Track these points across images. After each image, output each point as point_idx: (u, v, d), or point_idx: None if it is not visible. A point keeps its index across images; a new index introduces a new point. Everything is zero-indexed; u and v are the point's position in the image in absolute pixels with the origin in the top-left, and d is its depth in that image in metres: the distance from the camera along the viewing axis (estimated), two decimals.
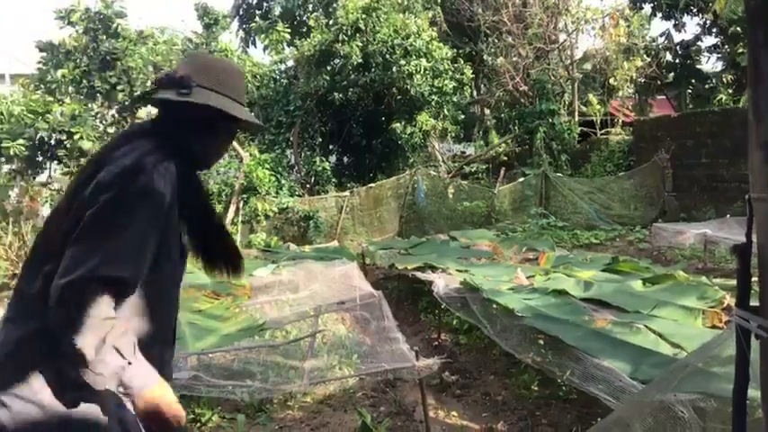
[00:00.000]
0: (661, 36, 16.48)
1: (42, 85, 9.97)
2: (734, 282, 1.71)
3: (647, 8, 15.49)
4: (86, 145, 9.08)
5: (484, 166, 15.12)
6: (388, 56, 12.27)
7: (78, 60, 10.10)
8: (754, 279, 1.61)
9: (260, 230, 10.95)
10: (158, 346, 1.58)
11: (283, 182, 11.83)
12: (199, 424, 3.70)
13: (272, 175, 11.47)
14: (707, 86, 16.12)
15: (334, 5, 12.92)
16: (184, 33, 11.93)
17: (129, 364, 1.39)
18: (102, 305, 1.35)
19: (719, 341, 2.00)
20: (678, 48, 16.12)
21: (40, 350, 1.41)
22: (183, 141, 1.62)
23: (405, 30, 12.35)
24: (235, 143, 11.75)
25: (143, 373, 1.43)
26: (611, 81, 15.55)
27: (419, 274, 5.99)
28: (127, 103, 10.31)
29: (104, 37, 10.13)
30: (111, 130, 10.31)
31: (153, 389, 1.43)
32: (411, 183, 12.73)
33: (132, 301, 1.48)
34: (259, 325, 4.38)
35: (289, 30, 14.32)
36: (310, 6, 16.20)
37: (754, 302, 1.61)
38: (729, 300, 3.77)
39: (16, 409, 1.38)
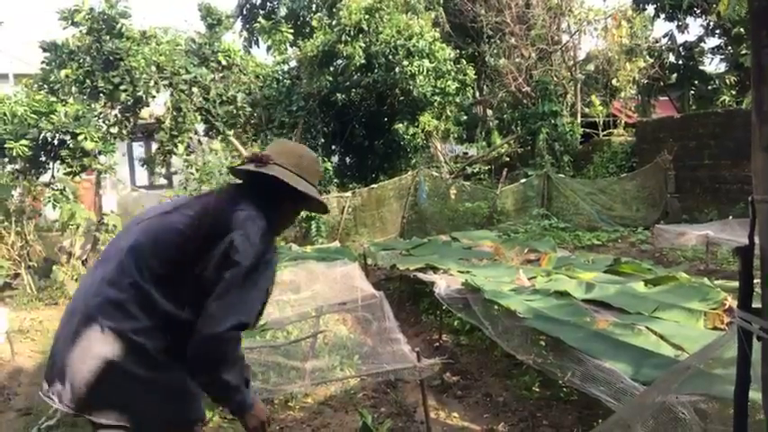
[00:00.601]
0: (664, 37, 16.45)
1: (45, 86, 9.99)
2: (736, 283, 1.71)
3: (650, 9, 15.47)
4: (89, 145, 9.09)
5: (486, 167, 15.11)
6: (390, 57, 12.28)
7: (82, 60, 10.11)
8: (756, 281, 1.61)
9: None
10: None
11: None
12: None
13: None
14: (710, 88, 16.08)
15: (338, 6, 12.93)
16: (187, 33, 11.96)
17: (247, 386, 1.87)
18: (239, 346, 1.80)
19: (721, 343, 1.99)
20: (681, 49, 16.09)
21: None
22: (265, 209, 1.91)
23: (408, 31, 12.35)
24: (237, 143, 11.80)
25: (251, 393, 1.90)
26: (614, 82, 15.53)
27: (421, 275, 5.99)
28: (130, 103, 10.32)
29: (108, 37, 10.14)
30: (113, 130, 10.32)
31: (259, 404, 1.92)
32: (413, 183, 12.73)
33: None
34: (260, 325, 4.39)
35: (292, 30, 14.34)
36: (314, 7, 16.23)
37: (755, 304, 1.60)
38: (731, 301, 3.76)
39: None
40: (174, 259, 1.79)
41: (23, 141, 8.56)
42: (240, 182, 2.03)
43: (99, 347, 1.74)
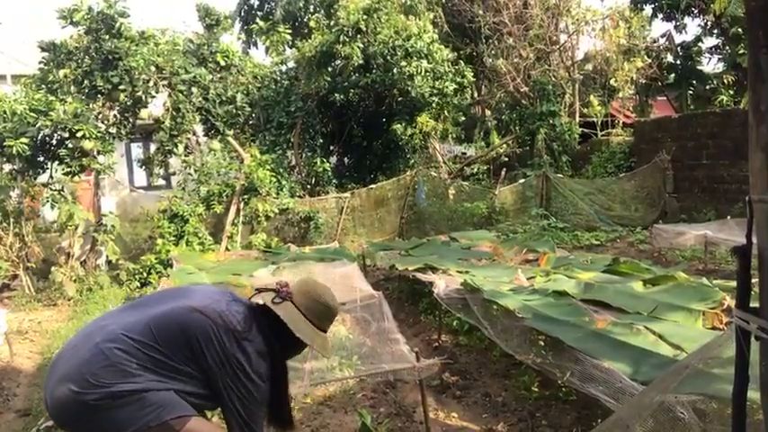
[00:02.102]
0: (662, 37, 16.49)
1: (44, 85, 9.97)
2: (734, 283, 1.71)
3: (648, 9, 15.49)
4: (88, 145, 9.07)
5: (485, 168, 15.11)
6: (389, 57, 12.27)
7: (80, 60, 10.09)
8: (755, 280, 1.61)
9: (260, 231, 10.94)
10: None
11: (284, 183, 11.83)
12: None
13: (273, 175, 11.47)
14: (708, 87, 16.11)
15: (335, 6, 12.92)
16: (185, 34, 11.94)
17: None
18: None
19: (719, 342, 2.00)
20: (679, 49, 16.12)
21: None
22: (273, 336, 2.17)
23: (406, 31, 12.35)
24: (236, 144, 11.79)
25: None
26: (612, 82, 15.56)
27: (420, 275, 5.99)
28: (129, 103, 10.30)
29: (107, 37, 10.11)
30: (112, 130, 10.30)
31: None
32: (412, 184, 12.73)
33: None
34: None
35: (290, 31, 14.32)
36: (311, 8, 16.21)
37: (754, 304, 1.61)
38: (729, 301, 3.77)
39: None
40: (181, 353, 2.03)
41: (23, 139, 8.55)
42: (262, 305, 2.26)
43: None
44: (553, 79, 14.92)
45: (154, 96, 10.65)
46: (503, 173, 13.33)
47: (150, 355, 1.96)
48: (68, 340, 2.17)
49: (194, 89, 11.03)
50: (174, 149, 11.00)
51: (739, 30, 13.63)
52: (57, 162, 9.35)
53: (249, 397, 2.05)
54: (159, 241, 9.84)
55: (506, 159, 15.26)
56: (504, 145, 15.54)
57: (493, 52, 15.89)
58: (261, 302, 2.23)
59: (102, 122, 10.07)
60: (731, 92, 15.27)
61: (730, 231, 7.24)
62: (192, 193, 11.00)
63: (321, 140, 13.22)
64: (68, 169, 9.20)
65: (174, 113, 10.80)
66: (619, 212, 11.79)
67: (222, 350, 2.02)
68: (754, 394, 1.64)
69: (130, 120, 10.63)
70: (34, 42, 10.39)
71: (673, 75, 16.36)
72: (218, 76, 11.63)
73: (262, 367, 2.09)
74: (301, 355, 4.41)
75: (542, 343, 3.91)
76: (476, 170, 14.71)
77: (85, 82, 10.05)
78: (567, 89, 15.40)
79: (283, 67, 13.66)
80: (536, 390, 4.19)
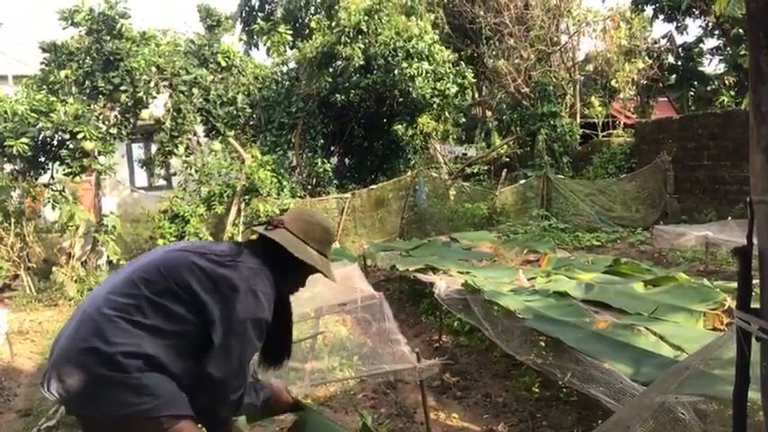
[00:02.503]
0: (663, 38, 16.50)
1: (46, 86, 9.98)
2: (735, 284, 1.71)
3: (649, 10, 15.49)
4: (89, 145, 9.08)
5: (485, 168, 15.11)
6: (389, 58, 12.28)
7: (81, 61, 10.10)
8: (755, 281, 1.61)
9: None
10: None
11: (285, 183, 11.83)
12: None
13: (274, 176, 11.48)
14: (709, 88, 16.11)
15: (336, 7, 12.93)
16: (186, 35, 11.95)
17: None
18: (240, 389, 2.00)
19: (720, 343, 2.00)
20: (680, 50, 16.12)
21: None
22: (271, 269, 2.04)
23: (407, 32, 12.35)
24: (237, 145, 11.79)
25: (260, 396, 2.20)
26: (613, 83, 15.55)
27: (420, 276, 5.99)
28: (129, 104, 10.31)
29: (108, 38, 10.13)
30: (113, 131, 10.31)
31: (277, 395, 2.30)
32: (412, 184, 12.73)
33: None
34: None
35: (291, 32, 14.33)
36: (312, 9, 16.21)
37: (754, 305, 1.61)
38: (730, 302, 3.77)
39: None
40: (178, 295, 1.93)
41: (23, 140, 8.56)
42: (255, 239, 2.19)
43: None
44: (554, 80, 14.92)
45: (155, 97, 10.66)
46: (503, 173, 13.32)
47: (138, 305, 1.87)
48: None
49: (195, 90, 11.04)
50: (175, 150, 11.01)
51: (740, 31, 13.63)
52: (58, 162, 9.36)
53: (244, 326, 1.91)
54: (160, 242, 9.85)
55: (507, 160, 15.26)
56: (505, 146, 15.54)
57: (494, 53, 15.90)
58: (253, 238, 2.17)
59: (103, 123, 10.08)
60: (732, 93, 15.27)
61: (731, 232, 7.23)
62: (193, 193, 11.01)
63: (322, 141, 13.22)
64: (69, 170, 9.22)
65: (175, 114, 10.80)
66: (619, 213, 11.79)
67: (207, 275, 1.92)
68: (754, 395, 1.64)
69: (131, 120, 10.64)
70: (35, 43, 10.41)
71: (674, 76, 16.36)
72: (219, 76, 11.64)
73: (259, 284, 1.96)
74: (301, 355, 4.43)
75: (543, 344, 3.91)
76: (476, 171, 14.71)
77: (86, 83, 10.07)
78: (567, 90, 15.40)
79: (284, 68, 13.67)
80: (537, 390, 4.18)
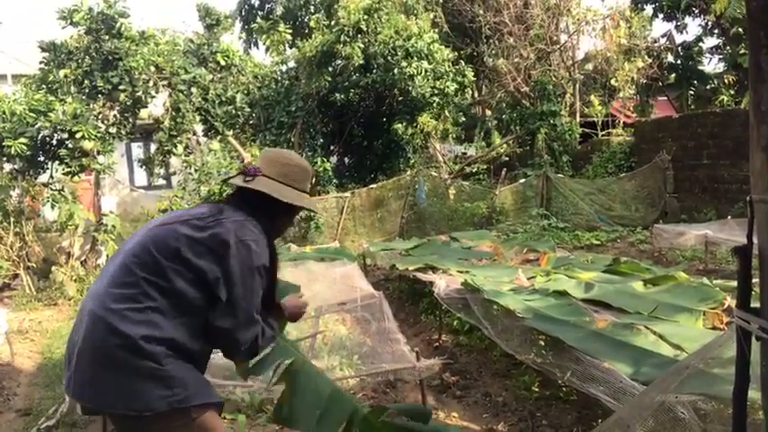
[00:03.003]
0: (662, 37, 16.50)
1: (45, 86, 9.97)
2: (734, 283, 1.71)
3: (649, 9, 15.49)
4: (88, 145, 9.07)
5: (485, 167, 15.11)
6: (389, 57, 12.27)
7: (80, 60, 10.09)
8: (755, 280, 1.61)
9: None
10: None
11: None
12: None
13: None
14: (708, 87, 16.11)
15: (336, 6, 12.92)
16: (185, 34, 11.94)
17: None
18: (254, 333, 2.06)
19: (720, 342, 2.00)
20: (680, 49, 16.11)
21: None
22: (257, 219, 2.07)
23: (406, 31, 12.34)
24: (236, 144, 11.79)
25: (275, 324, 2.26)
26: (613, 82, 15.54)
27: (420, 275, 5.99)
28: (128, 103, 10.30)
29: (107, 37, 10.11)
30: (112, 130, 10.30)
31: (290, 308, 2.43)
32: (412, 184, 12.73)
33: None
34: None
35: (290, 31, 14.32)
36: (312, 8, 16.20)
37: (754, 304, 1.61)
38: (730, 301, 3.77)
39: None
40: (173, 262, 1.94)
41: (22, 140, 8.55)
42: (233, 193, 2.22)
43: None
44: (554, 79, 14.92)
45: (154, 96, 10.65)
46: (503, 173, 13.32)
47: (142, 290, 1.89)
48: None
49: (194, 89, 11.03)
50: (174, 149, 11.00)
51: (740, 30, 13.62)
52: (57, 162, 9.35)
53: (244, 277, 1.95)
54: None
55: (507, 159, 15.26)
56: (505, 145, 15.54)
57: (493, 52, 15.90)
58: (231, 191, 2.21)
59: (103, 122, 10.07)
60: (732, 92, 15.27)
61: (731, 231, 7.24)
62: (193, 192, 11.00)
63: (321, 140, 13.22)
64: (68, 169, 9.21)
65: (174, 113, 10.80)
66: (619, 212, 11.79)
67: (196, 240, 1.94)
68: (754, 394, 1.64)
69: (130, 120, 10.63)
70: (35, 42, 10.40)
71: (673, 75, 16.36)
72: (219, 75, 11.63)
73: (248, 234, 1.99)
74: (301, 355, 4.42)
75: (543, 343, 3.91)
76: (476, 170, 14.71)
77: (86, 82, 10.06)
78: (567, 89, 15.40)
79: (284, 67, 13.67)
80: (536, 390, 4.19)
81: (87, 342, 1.89)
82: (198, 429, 1.91)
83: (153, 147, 12.25)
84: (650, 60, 15.17)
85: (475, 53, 16.24)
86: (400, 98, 12.91)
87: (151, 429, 1.89)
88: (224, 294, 1.93)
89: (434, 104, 12.76)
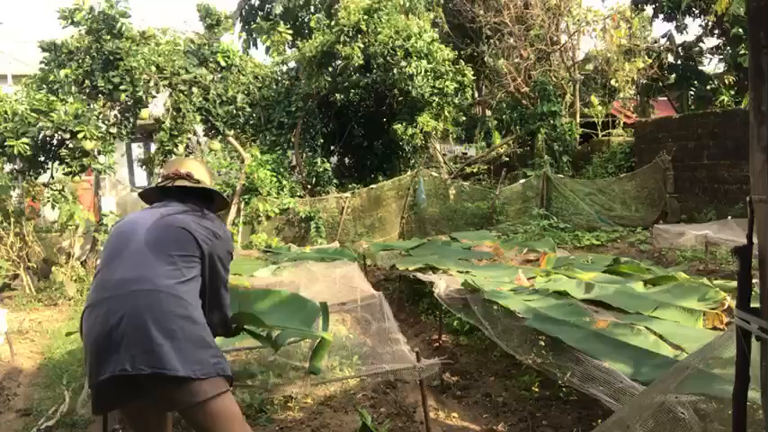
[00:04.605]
0: (663, 37, 16.46)
1: (45, 85, 9.97)
2: (735, 283, 1.71)
3: (649, 9, 15.48)
4: (89, 145, 9.08)
5: (485, 168, 15.11)
6: (389, 57, 12.27)
7: (81, 60, 10.10)
8: (755, 281, 1.61)
9: (261, 231, 10.95)
10: None
11: (284, 183, 11.83)
12: None
13: (274, 175, 11.47)
14: (709, 88, 16.08)
15: (336, 6, 12.93)
16: (186, 34, 11.94)
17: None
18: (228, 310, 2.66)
19: (720, 342, 2.00)
20: (680, 49, 16.09)
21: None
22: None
23: (406, 31, 12.34)
24: (236, 144, 11.79)
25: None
26: (613, 82, 15.54)
27: (420, 275, 5.98)
28: (129, 103, 10.31)
29: (108, 37, 10.12)
30: (113, 130, 10.30)
31: None
32: (412, 184, 12.73)
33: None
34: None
35: (290, 31, 14.32)
36: (312, 8, 16.20)
37: (754, 304, 1.61)
38: (730, 301, 3.77)
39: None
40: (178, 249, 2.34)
41: (24, 140, 8.56)
42: (185, 191, 2.62)
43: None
44: (554, 79, 14.92)
45: (154, 96, 10.67)
46: (503, 173, 13.32)
47: (179, 267, 2.25)
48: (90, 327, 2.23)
49: (195, 89, 11.03)
50: (175, 149, 11.01)
51: (740, 30, 13.61)
52: (57, 162, 9.36)
53: (225, 257, 2.47)
54: None
55: (507, 159, 15.25)
56: (505, 145, 15.53)
57: (494, 52, 15.89)
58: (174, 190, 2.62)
59: (103, 122, 10.07)
60: (732, 92, 15.25)
61: (731, 232, 7.23)
62: None
63: (322, 140, 13.22)
64: (69, 169, 9.21)
65: (175, 113, 10.80)
66: (619, 213, 11.79)
67: (200, 224, 2.41)
68: (754, 394, 1.64)
69: (131, 120, 10.64)
70: (35, 42, 10.41)
71: (673, 75, 16.33)
72: (219, 76, 11.63)
73: (223, 227, 2.55)
74: (302, 355, 4.42)
75: (543, 343, 3.90)
76: (476, 170, 14.70)
77: (86, 82, 10.06)
78: (567, 89, 15.39)
79: (284, 67, 13.67)
80: (536, 390, 4.19)
81: (143, 317, 2.07)
82: (229, 400, 2.17)
83: (153, 147, 12.25)
84: (650, 61, 15.16)
85: (475, 53, 16.24)
86: (400, 98, 12.91)
87: (190, 397, 2.08)
88: (213, 267, 2.39)
89: (434, 104, 12.75)
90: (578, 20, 15.43)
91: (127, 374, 2.03)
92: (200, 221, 2.41)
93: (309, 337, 3.22)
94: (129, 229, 2.37)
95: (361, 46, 11.85)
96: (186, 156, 11.37)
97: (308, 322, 3.12)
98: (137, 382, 2.08)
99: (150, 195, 2.68)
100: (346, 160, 14.81)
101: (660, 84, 16.02)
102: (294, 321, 3.05)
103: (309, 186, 12.93)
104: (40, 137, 9.14)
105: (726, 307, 3.74)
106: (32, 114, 8.86)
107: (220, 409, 2.12)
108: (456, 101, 13.20)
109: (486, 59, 16.09)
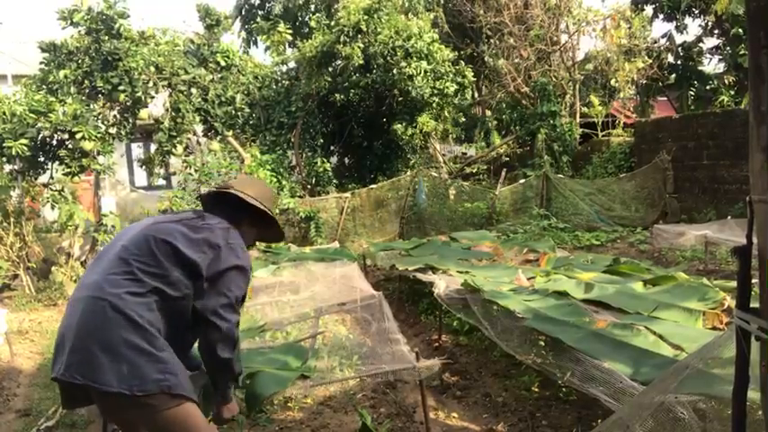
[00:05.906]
0: (663, 37, 16.46)
1: (45, 86, 9.96)
2: (734, 283, 1.71)
3: (649, 9, 15.48)
4: (88, 145, 9.07)
5: (485, 168, 15.11)
6: (389, 57, 12.27)
7: (80, 61, 10.09)
8: (755, 281, 1.61)
9: None
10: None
11: (284, 183, 11.83)
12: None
13: (273, 175, 11.46)
14: (708, 88, 16.08)
15: (336, 6, 12.92)
16: (186, 34, 11.94)
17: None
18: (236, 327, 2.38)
19: (720, 342, 2.00)
20: (680, 49, 16.09)
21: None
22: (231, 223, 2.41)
23: (406, 31, 12.34)
24: (236, 144, 11.78)
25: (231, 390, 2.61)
26: (613, 82, 15.54)
27: (420, 276, 5.98)
28: (128, 103, 10.30)
29: (107, 37, 10.11)
30: (112, 130, 10.29)
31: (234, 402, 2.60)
32: (412, 184, 12.73)
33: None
34: (260, 326, 4.39)
35: (290, 31, 14.32)
36: (312, 7, 16.20)
37: (754, 304, 1.61)
38: (730, 301, 3.77)
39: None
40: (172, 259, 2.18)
41: (22, 140, 8.55)
42: (207, 203, 2.54)
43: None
44: (554, 79, 14.92)
45: (153, 97, 10.66)
46: (503, 173, 13.32)
47: (139, 278, 2.08)
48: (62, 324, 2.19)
49: (194, 90, 11.03)
50: (174, 150, 11.01)
51: (740, 30, 13.61)
52: (57, 162, 9.35)
53: (230, 273, 2.24)
54: None
55: (507, 159, 15.26)
56: (505, 145, 15.54)
57: (493, 52, 15.89)
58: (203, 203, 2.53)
59: (103, 123, 10.06)
60: (732, 92, 15.25)
61: (731, 232, 7.23)
62: (193, 192, 11.00)
63: (321, 140, 13.22)
64: (68, 170, 9.20)
65: (174, 114, 10.80)
66: (619, 213, 11.79)
67: (191, 239, 2.21)
68: (754, 394, 1.64)
69: (130, 120, 10.63)
70: (35, 42, 10.40)
71: (673, 75, 16.33)
72: (219, 76, 11.63)
73: (234, 239, 2.32)
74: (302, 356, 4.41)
75: (542, 343, 3.90)
76: (476, 170, 14.70)
77: (85, 82, 10.06)
78: (567, 89, 15.40)
79: (284, 67, 13.67)
80: (536, 390, 4.19)
81: (86, 325, 2.01)
82: (180, 417, 2.02)
83: (153, 147, 12.25)
84: (650, 61, 15.16)
85: (475, 53, 16.24)
86: (400, 98, 12.91)
87: (135, 410, 1.99)
88: (208, 283, 2.18)
89: (434, 104, 12.75)
90: (578, 20, 15.43)
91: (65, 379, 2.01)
92: (194, 232, 2.23)
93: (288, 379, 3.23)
94: (123, 233, 2.34)
95: (361, 46, 11.85)
96: (186, 155, 11.38)
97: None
98: (82, 387, 2.03)
99: (204, 203, 2.57)
100: (346, 160, 14.81)
101: (660, 84, 16.02)
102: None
103: (309, 186, 12.93)
104: (39, 137, 9.13)
105: (725, 307, 3.74)
106: (31, 115, 8.85)
107: (167, 425, 2.02)
108: (456, 101, 13.21)
109: (485, 59, 16.09)
